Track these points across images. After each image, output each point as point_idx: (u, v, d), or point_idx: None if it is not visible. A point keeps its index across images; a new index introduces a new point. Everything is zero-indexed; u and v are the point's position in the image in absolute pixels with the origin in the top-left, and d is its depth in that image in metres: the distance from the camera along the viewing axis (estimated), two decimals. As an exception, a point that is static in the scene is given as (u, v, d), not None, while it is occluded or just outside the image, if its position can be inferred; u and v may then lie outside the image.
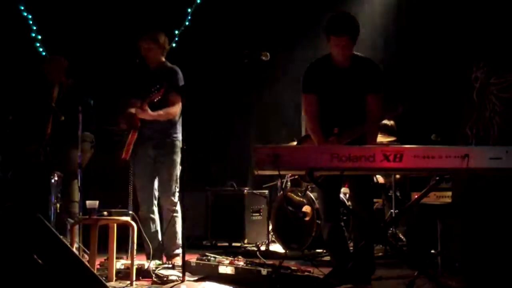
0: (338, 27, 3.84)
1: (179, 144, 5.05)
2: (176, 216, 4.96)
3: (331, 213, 4.04)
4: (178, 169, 5.03)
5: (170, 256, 4.97)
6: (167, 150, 5.02)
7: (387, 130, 5.94)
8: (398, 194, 5.78)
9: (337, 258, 4.04)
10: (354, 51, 4.04)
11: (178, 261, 4.75)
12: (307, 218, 5.90)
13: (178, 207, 4.97)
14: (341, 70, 3.98)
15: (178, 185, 5.00)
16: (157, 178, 5.08)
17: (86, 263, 3.43)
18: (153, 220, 5.09)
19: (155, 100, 4.90)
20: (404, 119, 5.98)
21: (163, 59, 5.19)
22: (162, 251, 5.05)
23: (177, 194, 5.00)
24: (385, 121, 5.93)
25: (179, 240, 4.96)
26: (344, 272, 3.80)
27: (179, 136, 5.09)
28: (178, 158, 5.03)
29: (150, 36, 5.09)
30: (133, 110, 5.01)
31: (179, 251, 4.91)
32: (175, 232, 4.97)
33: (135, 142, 4.98)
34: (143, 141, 5.01)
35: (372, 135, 4.02)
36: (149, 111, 4.93)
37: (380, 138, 5.83)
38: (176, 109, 5.02)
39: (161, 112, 4.97)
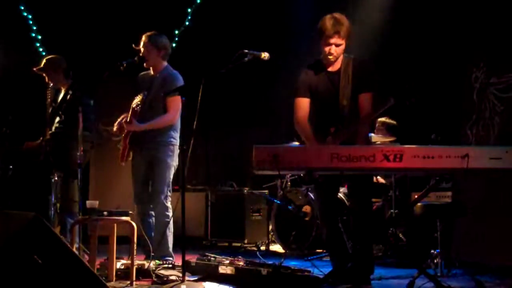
0: (329, 26, 3.87)
1: (173, 147, 4.91)
2: (167, 221, 4.77)
3: (327, 216, 4.05)
4: (172, 172, 4.89)
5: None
6: (161, 153, 4.87)
7: (389, 129, 5.92)
8: (398, 194, 5.77)
9: (336, 259, 4.04)
10: (351, 55, 4.05)
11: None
12: (307, 218, 5.90)
13: (170, 212, 4.81)
14: (332, 73, 4.01)
15: (170, 188, 4.88)
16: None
17: (86, 263, 3.42)
18: (149, 223, 4.96)
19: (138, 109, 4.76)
20: (404, 119, 5.97)
21: (165, 63, 4.99)
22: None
23: (169, 198, 4.86)
24: (388, 120, 5.92)
25: (170, 249, 4.79)
26: (343, 273, 3.80)
27: (176, 137, 4.94)
28: (172, 161, 4.89)
29: (150, 40, 4.89)
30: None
31: (170, 259, 4.72)
32: (164, 238, 4.76)
33: (131, 145, 4.89)
34: (138, 144, 4.91)
35: (362, 134, 4.01)
36: (135, 123, 4.77)
37: (381, 138, 5.82)
38: (172, 115, 4.85)
39: (152, 123, 4.82)
